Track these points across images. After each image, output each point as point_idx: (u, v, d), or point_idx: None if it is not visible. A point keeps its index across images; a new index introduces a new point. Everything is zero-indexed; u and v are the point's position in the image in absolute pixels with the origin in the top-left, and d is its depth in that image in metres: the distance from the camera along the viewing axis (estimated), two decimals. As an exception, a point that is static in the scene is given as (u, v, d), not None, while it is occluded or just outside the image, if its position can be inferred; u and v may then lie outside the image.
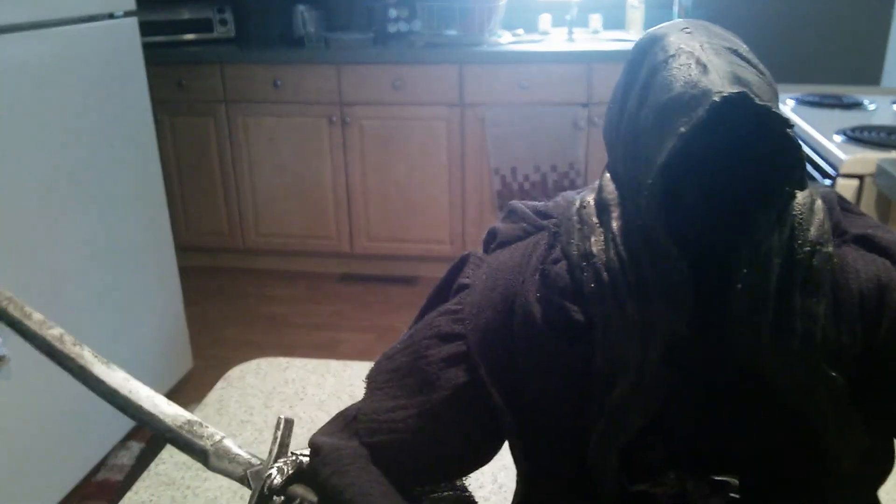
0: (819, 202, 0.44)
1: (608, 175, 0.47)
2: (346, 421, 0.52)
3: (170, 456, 0.89)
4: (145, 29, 2.38)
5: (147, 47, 2.34)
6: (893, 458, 0.47)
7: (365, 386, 0.53)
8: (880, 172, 1.62)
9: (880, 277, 0.42)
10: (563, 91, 2.94)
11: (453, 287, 0.52)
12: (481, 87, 2.99)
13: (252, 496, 0.54)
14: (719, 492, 0.44)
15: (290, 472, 0.53)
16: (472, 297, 0.49)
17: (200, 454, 0.57)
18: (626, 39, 3.07)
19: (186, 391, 2.51)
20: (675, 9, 3.16)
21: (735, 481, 0.44)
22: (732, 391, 0.43)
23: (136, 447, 2.22)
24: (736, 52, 0.41)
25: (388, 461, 0.49)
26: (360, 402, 0.53)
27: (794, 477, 0.44)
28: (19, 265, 1.81)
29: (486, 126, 3.02)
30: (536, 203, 0.53)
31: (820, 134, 1.88)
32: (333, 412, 0.99)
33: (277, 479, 0.53)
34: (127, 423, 2.26)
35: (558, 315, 0.44)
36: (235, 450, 0.57)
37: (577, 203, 0.47)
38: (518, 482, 0.53)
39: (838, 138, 1.82)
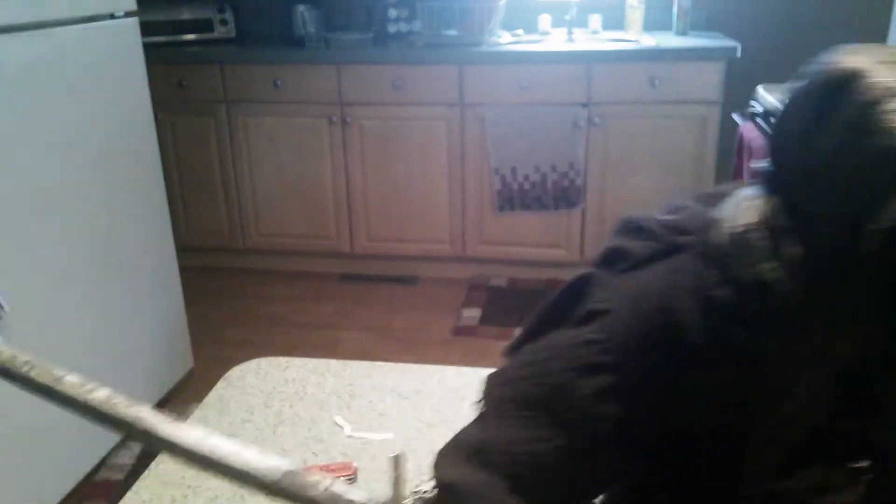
0: None
1: (776, 200, 0.44)
2: (469, 453, 0.51)
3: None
4: (146, 29, 2.39)
5: (148, 47, 2.34)
6: None
7: (481, 411, 0.52)
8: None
9: None
10: (562, 91, 2.95)
11: (578, 311, 0.50)
12: (481, 88, 3.00)
13: None
14: (855, 479, 0.45)
15: None
16: (617, 325, 0.48)
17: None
18: (626, 39, 3.07)
19: (187, 391, 2.52)
20: (675, 9, 3.16)
21: (866, 464, 0.45)
22: (890, 393, 0.43)
23: (136, 446, 2.23)
24: None
25: (527, 492, 0.48)
26: (476, 430, 0.52)
27: None
28: (20, 265, 1.82)
29: (486, 126, 3.02)
30: (662, 217, 0.51)
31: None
32: (334, 411, 0.99)
33: None
34: (127, 423, 2.26)
35: (727, 341, 0.43)
36: (349, 494, 0.55)
37: (737, 226, 0.45)
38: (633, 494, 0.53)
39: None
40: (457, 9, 3.09)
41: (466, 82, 3.00)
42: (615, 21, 3.31)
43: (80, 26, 2.03)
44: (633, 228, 0.51)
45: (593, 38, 3.18)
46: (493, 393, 0.52)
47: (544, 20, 3.28)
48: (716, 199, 0.48)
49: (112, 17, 2.16)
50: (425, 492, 0.53)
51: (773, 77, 2.98)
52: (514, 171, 3.06)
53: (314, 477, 0.55)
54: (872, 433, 0.44)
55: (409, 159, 3.13)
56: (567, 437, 0.48)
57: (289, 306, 3.12)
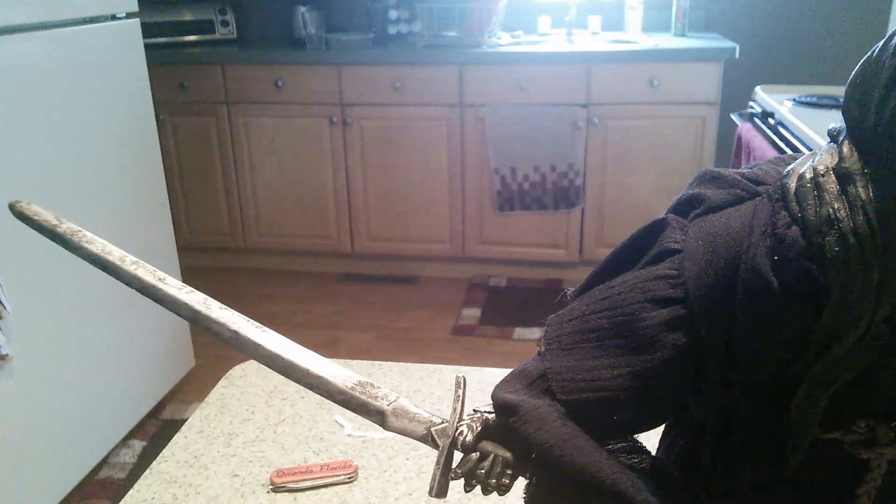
0: None
1: (849, 145, 0.46)
2: (531, 380, 0.52)
3: (171, 454, 0.90)
4: (147, 30, 2.40)
5: (149, 48, 2.35)
6: None
7: (543, 346, 0.53)
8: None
9: None
10: (562, 92, 2.96)
11: (651, 251, 0.52)
12: (481, 88, 3.01)
13: (440, 453, 0.53)
14: None
15: (479, 429, 0.53)
16: (689, 262, 0.49)
17: (377, 415, 0.57)
18: (625, 40, 3.08)
19: (188, 390, 2.53)
20: (674, 10, 3.17)
21: None
22: None
23: (138, 445, 2.24)
24: None
25: (587, 419, 0.50)
26: (539, 362, 0.53)
27: None
28: (20, 265, 1.83)
29: (486, 126, 3.03)
30: (740, 170, 0.53)
31: (817, 135, 1.89)
32: (334, 410, 1.01)
33: (469, 437, 0.53)
34: (129, 421, 2.27)
35: (796, 276, 0.45)
36: (414, 409, 0.57)
37: (809, 171, 0.47)
38: (690, 437, 0.54)
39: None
40: (457, 10, 3.10)
41: (466, 83, 3.01)
42: (614, 22, 3.32)
43: (81, 27, 2.04)
44: (710, 177, 0.52)
45: (592, 39, 3.19)
46: (559, 330, 0.53)
47: (544, 21, 3.29)
48: (790, 160, 0.51)
49: (113, 18, 2.17)
50: (485, 412, 0.54)
51: (771, 78, 2.99)
52: (513, 171, 3.07)
53: (384, 390, 0.57)
54: None
55: (409, 159, 3.15)
56: (632, 366, 0.49)
57: (289, 306, 3.13)
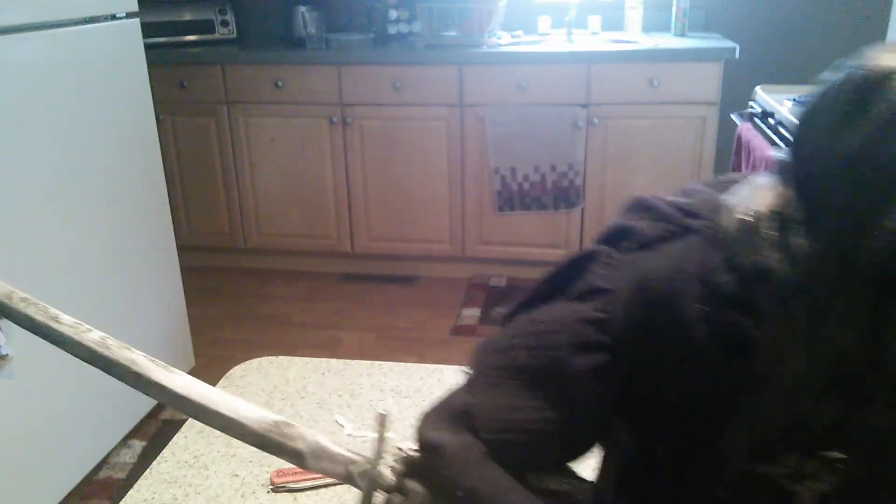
0: None
1: (791, 190, 0.45)
2: (453, 415, 0.52)
3: (171, 454, 0.90)
4: (147, 30, 2.40)
5: (149, 48, 2.35)
6: None
7: (471, 373, 0.53)
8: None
9: None
10: (562, 92, 2.95)
11: (580, 285, 0.51)
12: (481, 88, 3.00)
13: (364, 497, 0.53)
14: (829, 468, 0.46)
15: (401, 469, 0.53)
16: (618, 305, 0.48)
17: (295, 456, 0.56)
18: (625, 40, 3.08)
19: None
20: (674, 10, 3.17)
21: (842, 456, 0.46)
22: (872, 388, 0.44)
23: (138, 445, 2.24)
24: None
25: (507, 457, 0.50)
26: (464, 395, 0.53)
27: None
28: (20, 265, 1.83)
29: (486, 126, 3.03)
30: (673, 199, 0.52)
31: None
32: (335, 410, 1.01)
33: (390, 478, 0.53)
34: (129, 421, 2.27)
35: (726, 328, 0.44)
36: (333, 448, 0.56)
37: (747, 212, 0.45)
38: (617, 468, 0.54)
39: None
40: (457, 10, 3.10)
41: (466, 83, 3.01)
42: (614, 22, 3.32)
43: (81, 27, 2.03)
44: (644, 208, 0.52)
45: (592, 39, 3.19)
46: (485, 360, 0.53)
47: (544, 21, 3.29)
48: (728, 185, 0.49)
49: (113, 17, 2.17)
50: (408, 451, 0.54)
51: (771, 78, 2.99)
52: (513, 171, 3.07)
53: (300, 429, 0.56)
54: (848, 424, 0.46)
55: (409, 159, 3.14)
56: (556, 410, 0.49)
57: (289, 306, 3.13)
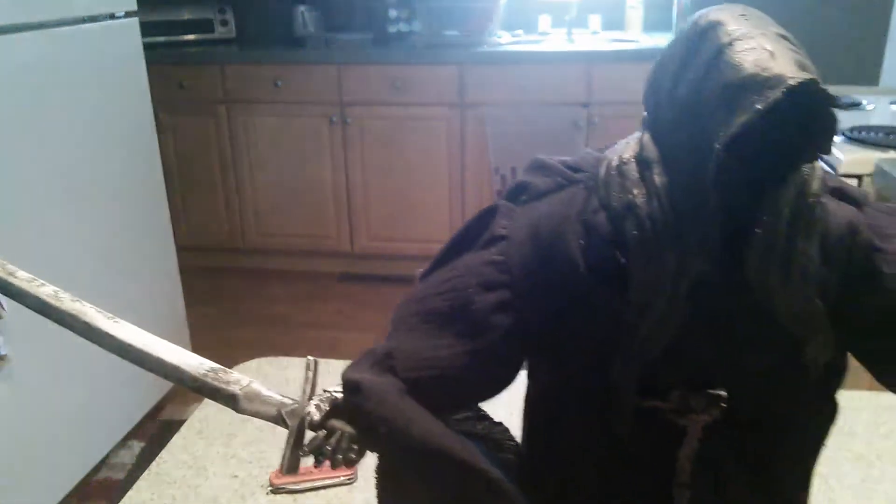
0: (818, 161, 0.51)
1: (647, 136, 0.51)
2: (376, 359, 0.56)
3: (170, 455, 0.90)
4: (146, 29, 2.39)
5: (148, 47, 2.34)
6: (845, 362, 0.56)
7: (392, 327, 0.57)
8: (879, 172, 1.63)
9: (851, 221, 0.51)
10: (562, 91, 2.95)
11: (484, 236, 0.56)
12: (481, 88, 3.00)
13: (290, 434, 0.56)
14: (714, 403, 0.52)
15: (327, 408, 0.57)
16: (513, 248, 0.54)
17: (229, 399, 0.59)
18: (626, 40, 3.08)
19: (187, 391, 2.52)
20: (675, 9, 3.17)
21: (724, 393, 0.52)
22: (739, 322, 0.50)
23: (136, 446, 2.23)
24: (786, 39, 0.48)
25: (425, 394, 0.54)
26: (387, 342, 0.57)
27: (776, 386, 0.53)
28: (20, 265, 1.82)
29: (486, 126, 3.02)
30: (563, 158, 0.58)
31: (818, 134, 1.88)
32: (333, 411, 0.99)
33: (316, 416, 0.56)
34: (128, 422, 2.27)
35: (602, 260, 0.50)
36: (266, 392, 0.59)
37: (616, 160, 0.52)
38: (532, 406, 0.59)
39: (837, 138, 1.83)
40: (457, 9, 3.10)
41: (466, 82, 3.00)
42: (615, 21, 3.32)
43: (80, 26, 2.03)
44: (538, 166, 0.58)
45: (593, 39, 3.19)
46: (404, 311, 0.57)
47: (544, 20, 3.29)
48: (611, 146, 0.56)
49: (112, 17, 2.17)
50: (334, 392, 0.57)
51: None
52: (514, 171, 3.06)
53: (235, 375, 0.60)
54: (724, 362, 0.51)
55: (409, 159, 3.14)
56: (465, 345, 0.54)
57: (289, 306, 3.12)
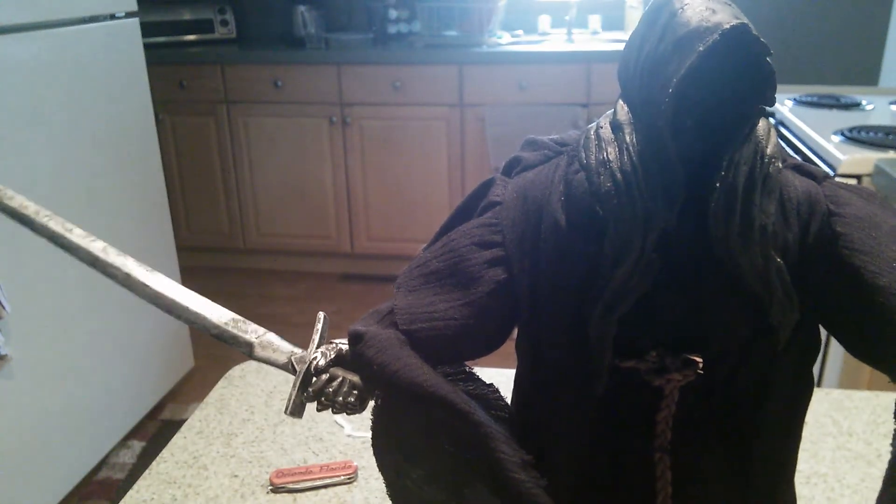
0: (772, 129, 0.55)
1: (621, 102, 0.55)
2: (381, 315, 0.60)
3: (171, 455, 0.90)
4: (147, 29, 2.39)
5: (148, 48, 2.34)
6: (818, 336, 0.58)
7: (396, 290, 0.61)
8: (878, 172, 1.63)
9: (811, 192, 0.54)
10: (562, 91, 2.95)
11: (483, 204, 0.62)
12: (481, 88, 3.00)
13: (297, 377, 0.62)
14: (689, 366, 0.54)
15: (332, 356, 0.62)
16: (505, 211, 0.60)
17: (246, 346, 0.66)
18: (625, 40, 3.08)
19: (188, 390, 2.52)
20: (675, 9, 3.17)
21: (700, 359, 0.54)
22: (707, 280, 0.53)
23: (137, 446, 2.23)
24: (730, 6, 0.52)
25: (423, 346, 0.58)
26: (390, 302, 0.61)
27: (748, 353, 0.55)
28: (19, 265, 1.82)
29: (486, 126, 3.03)
30: (552, 136, 0.63)
31: (818, 134, 1.89)
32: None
33: (321, 362, 0.62)
34: (128, 422, 2.27)
35: (581, 215, 0.54)
36: (279, 342, 0.66)
37: (594, 126, 0.56)
38: (522, 367, 0.63)
39: (836, 138, 1.83)
40: (457, 9, 3.10)
41: (466, 82, 3.00)
42: (615, 21, 3.32)
43: (80, 27, 2.03)
44: (530, 143, 0.64)
45: (593, 39, 3.19)
46: (407, 275, 0.61)
47: (544, 21, 3.29)
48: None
49: (113, 17, 2.17)
50: (339, 343, 0.62)
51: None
52: (513, 171, 3.07)
53: (253, 325, 0.67)
54: (696, 322, 0.54)
55: (409, 159, 3.14)
56: (461, 299, 0.58)
57: (289, 306, 3.12)
